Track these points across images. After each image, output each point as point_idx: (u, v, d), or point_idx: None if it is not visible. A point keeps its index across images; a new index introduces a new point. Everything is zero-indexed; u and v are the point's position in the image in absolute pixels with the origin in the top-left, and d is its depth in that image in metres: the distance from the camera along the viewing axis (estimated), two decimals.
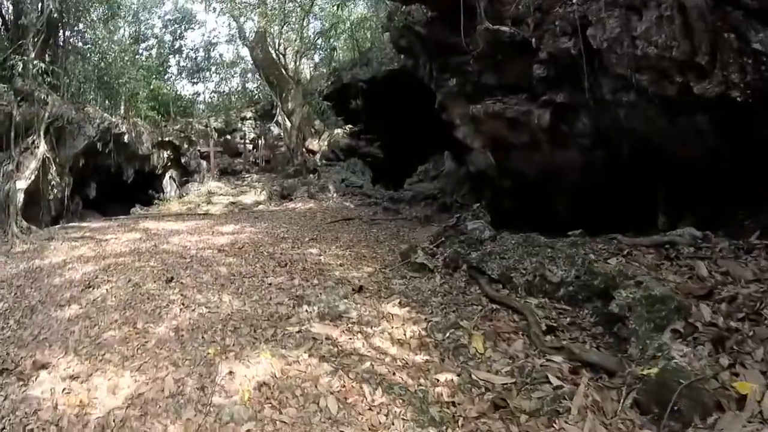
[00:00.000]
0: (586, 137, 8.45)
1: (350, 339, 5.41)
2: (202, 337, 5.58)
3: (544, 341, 4.96)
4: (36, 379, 5.04)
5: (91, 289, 7.66)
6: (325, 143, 24.96)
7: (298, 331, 5.59)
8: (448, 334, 5.37)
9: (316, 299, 6.51)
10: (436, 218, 13.09)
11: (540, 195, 10.40)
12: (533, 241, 6.99)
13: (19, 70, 14.66)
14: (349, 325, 5.73)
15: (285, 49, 24.10)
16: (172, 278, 7.68)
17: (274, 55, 23.64)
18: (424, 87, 13.31)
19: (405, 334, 5.48)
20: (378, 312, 6.11)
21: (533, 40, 8.27)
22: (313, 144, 24.87)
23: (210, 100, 32.88)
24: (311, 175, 20.72)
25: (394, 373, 4.65)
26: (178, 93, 31.20)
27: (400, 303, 6.36)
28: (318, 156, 23.96)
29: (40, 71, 15.11)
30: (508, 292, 6.29)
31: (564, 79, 8.16)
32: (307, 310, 6.19)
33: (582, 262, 5.92)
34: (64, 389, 4.76)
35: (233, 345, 5.32)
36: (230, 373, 4.72)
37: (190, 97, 32.71)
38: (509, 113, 9.40)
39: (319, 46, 26.73)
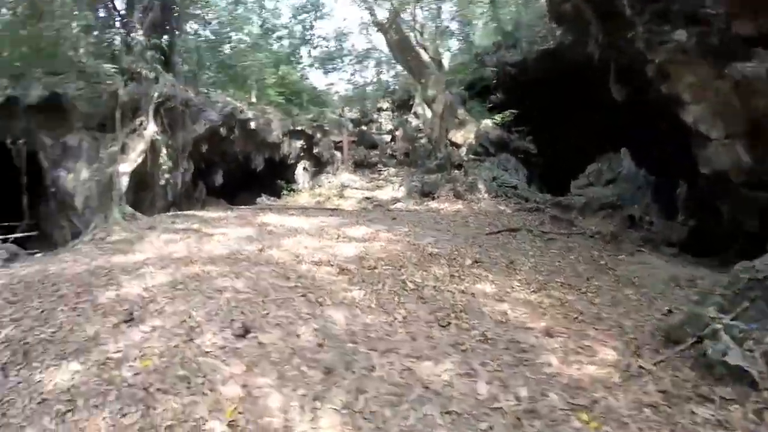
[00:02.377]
0: None
1: None
2: None
3: None
4: None
5: (127, 325, 5.19)
6: (471, 135, 21.78)
7: None
8: None
9: None
10: (624, 236, 10.26)
11: None
12: None
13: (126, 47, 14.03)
14: None
15: (422, 27, 21.87)
16: (248, 331, 4.73)
17: (411, 37, 21.28)
18: (591, 67, 10.90)
19: None
20: None
21: None
22: (457, 136, 21.78)
23: (345, 92, 31.81)
24: (456, 171, 17.65)
25: None
26: (311, 83, 30.51)
27: None
28: (463, 150, 20.83)
29: (148, 48, 14.21)
30: None
31: None
32: None
33: None
34: None
35: None
36: None
37: (324, 88, 31.78)
38: None
39: (455, 31, 25.30)
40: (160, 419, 3.58)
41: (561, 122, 17.07)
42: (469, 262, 7.10)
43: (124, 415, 3.67)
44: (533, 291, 5.97)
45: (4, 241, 11.75)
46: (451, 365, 4.12)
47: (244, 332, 4.65)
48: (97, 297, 6.07)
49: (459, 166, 18.06)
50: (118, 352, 4.61)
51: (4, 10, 15.57)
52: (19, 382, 4.30)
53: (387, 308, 5.30)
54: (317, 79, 51.32)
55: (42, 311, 5.77)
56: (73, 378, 4.23)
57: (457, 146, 20.46)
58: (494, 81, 19.49)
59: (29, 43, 13.92)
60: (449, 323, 4.95)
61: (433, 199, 15.47)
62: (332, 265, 6.83)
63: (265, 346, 4.45)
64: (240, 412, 3.57)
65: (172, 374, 4.12)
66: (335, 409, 3.57)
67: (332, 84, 35.96)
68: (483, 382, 3.90)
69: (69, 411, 3.79)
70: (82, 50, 14.20)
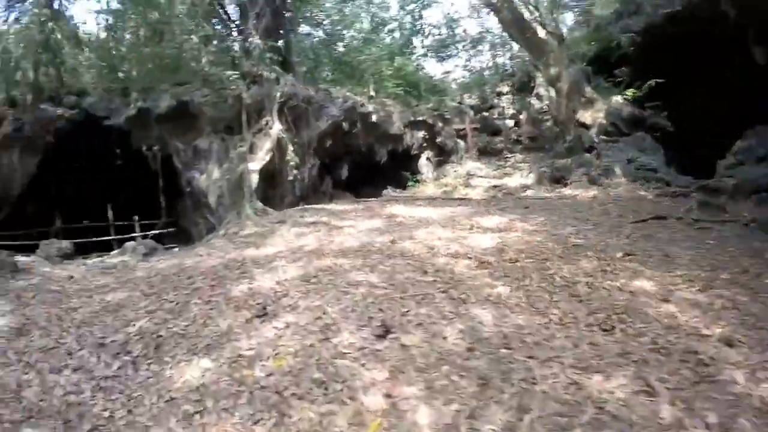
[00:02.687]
0: None
1: None
2: None
3: None
4: None
5: (260, 321, 5.02)
6: (601, 114, 20.26)
7: None
8: None
9: None
10: None
11: None
12: None
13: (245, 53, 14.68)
14: None
15: (536, 1, 20.29)
16: (388, 331, 4.33)
17: (526, 13, 19.88)
18: (725, 28, 9.89)
19: None
20: None
21: None
22: (586, 116, 20.30)
23: (462, 79, 30.64)
24: (587, 155, 16.42)
25: None
26: (426, 73, 29.70)
27: None
28: (593, 130, 19.42)
29: (265, 51, 14.58)
30: None
31: None
32: None
33: None
34: None
35: None
36: None
37: (440, 76, 30.88)
38: None
39: (570, 2, 23.79)
40: (295, 430, 3.29)
41: (697, 94, 15.46)
42: (619, 254, 6.28)
43: (255, 423, 3.43)
44: (699, 290, 5.08)
45: (144, 237, 12.46)
46: (624, 380, 3.47)
47: (384, 332, 4.29)
48: (230, 290, 6.03)
49: (590, 149, 16.82)
50: (250, 349, 4.42)
51: (127, 35, 16.68)
52: (149, 377, 4.24)
53: (538, 307, 4.72)
54: (432, 68, 50.71)
55: (176, 304, 5.80)
56: (204, 375, 4.08)
57: (587, 127, 19.08)
58: (619, 52, 17.94)
59: (154, 60, 14.91)
60: (612, 327, 4.25)
61: (565, 185, 14.44)
62: (470, 258, 6.32)
63: (408, 349, 4.05)
64: (385, 428, 3.18)
65: (307, 377, 3.83)
66: (495, 431, 3.07)
67: (448, 72, 34.82)
68: (665, 403, 3.23)
69: (197, 413, 3.62)
70: (203, 60, 14.85)
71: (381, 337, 4.24)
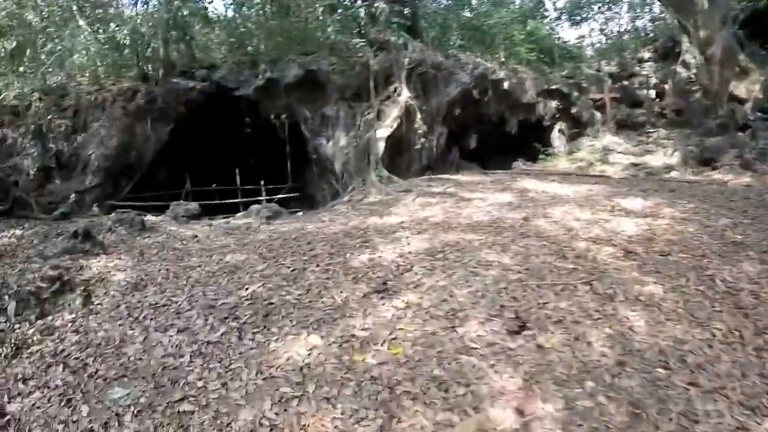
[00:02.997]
0: None
1: None
2: None
3: None
4: None
5: (379, 297, 4.75)
6: (757, 87, 17.95)
7: None
8: None
9: None
10: None
11: None
12: None
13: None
14: None
15: None
16: (523, 326, 3.88)
17: None
18: None
19: None
20: None
21: None
22: (740, 88, 17.97)
23: (598, 44, 29.06)
24: (740, 134, 14.58)
25: None
26: (559, 38, 28.18)
27: None
28: (749, 105, 17.24)
29: (392, 16, 14.35)
30: None
31: None
32: None
33: None
34: None
35: None
36: None
37: (574, 41, 29.33)
38: None
39: None
40: None
41: None
42: None
43: (358, 421, 3.12)
44: None
45: (269, 201, 12.74)
46: None
47: (519, 327, 3.87)
48: (350, 260, 5.87)
49: (744, 127, 15.04)
50: (364, 330, 4.16)
51: (253, 12, 17.20)
52: (252, 348, 4.10)
53: (698, 317, 4.06)
54: (565, 33, 48.36)
55: (293, 270, 5.70)
56: (309, 354, 3.88)
57: (740, 101, 17.10)
58: None
59: (281, 34, 15.15)
60: None
61: (714, 168, 12.91)
62: (614, 245, 5.69)
63: (546, 352, 3.60)
64: None
65: (425, 373, 3.49)
66: None
67: (582, 37, 33.26)
68: None
69: (295, 398, 3.38)
70: (330, 29, 14.90)
71: (514, 332, 3.81)
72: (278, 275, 5.58)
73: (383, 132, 13.18)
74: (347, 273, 5.43)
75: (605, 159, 15.24)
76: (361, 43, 14.07)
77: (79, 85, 12.50)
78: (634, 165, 14.27)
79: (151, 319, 4.78)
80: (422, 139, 14.22)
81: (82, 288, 5.76)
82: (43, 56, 12.42)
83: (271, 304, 4.84)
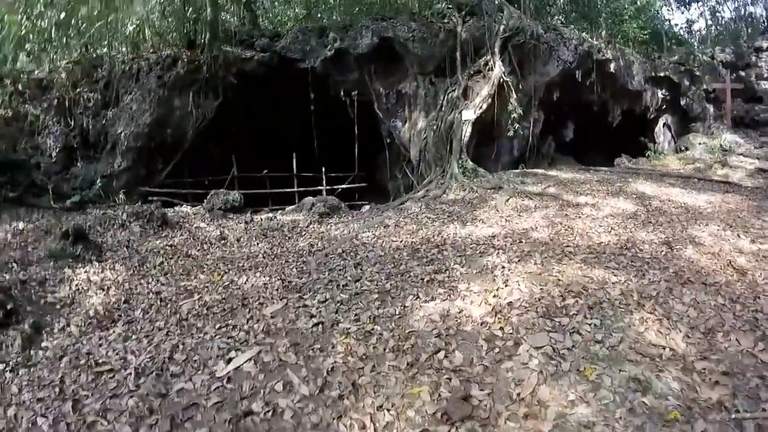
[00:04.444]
0: None
1: None
2: None
3: None
4: None
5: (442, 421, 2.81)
6: None
7: None
8: None
9: None
10: None
11: None
12: None
13: None
14: None
15: None
16: None
17: None
18: None
19: None
20: None
21: None
22: None
23: (709, 29, 26.35)
24: None
25: None
26: (667, 20, 25.47)
27: None
28: None
29: None
30: None
31: None
32: None
33: None
34: None
35: None
36: None
37: (683, 25, 26.76)
38: None
39: None
40: None
41: None
42: None
43: None
44: None
45: (331, 192, 11.21)
46: None
47: None
48: (407, 313, 4.07)
49: None
50: None
51: None
52: None
53: None
54: (671, 15, 45.17)
55: (312, 327, 3.93)
56: None
57: None
58: None
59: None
60: None
61: None
62: None
63: None
64: None
65: None
66: None
67: (693, 21, 31.00)
68: None
69: None
70: None
71: None
72: (292, 332, 3.80)
73: (470, 114, 11.15)
74: (399, 345, 3.48)
75: (725, 161, 12.94)
76: (448, 7, 12.01)
77: (117, 54, 11.00)
78: (761, 170, 11.82)
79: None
80: (516, 125, 12.01)
81: (32, 321, 4.03)
82: (84, 25, 10.87)
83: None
